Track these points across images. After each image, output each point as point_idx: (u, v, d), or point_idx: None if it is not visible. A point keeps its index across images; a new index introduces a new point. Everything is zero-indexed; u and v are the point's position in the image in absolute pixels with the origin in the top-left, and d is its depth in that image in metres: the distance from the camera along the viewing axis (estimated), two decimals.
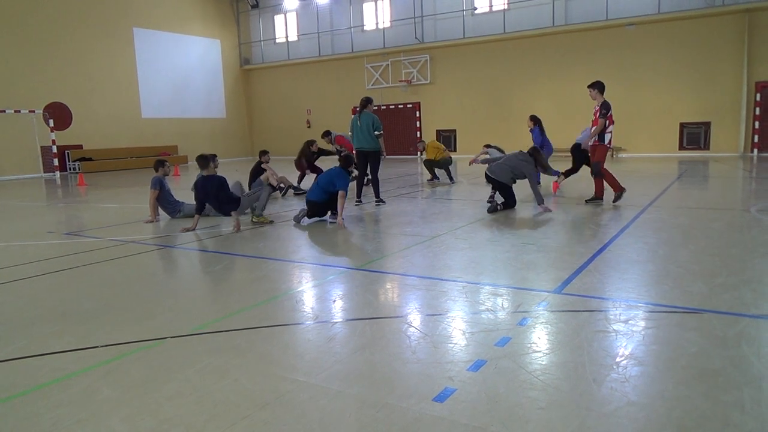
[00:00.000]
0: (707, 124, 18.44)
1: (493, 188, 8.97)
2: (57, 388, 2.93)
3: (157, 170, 8.60)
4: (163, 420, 2.56)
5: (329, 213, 7.95)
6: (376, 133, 9.28)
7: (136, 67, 23.49)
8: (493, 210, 8.21)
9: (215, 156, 8.04)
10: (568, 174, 9.89)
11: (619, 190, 8.46)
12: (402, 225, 7.64)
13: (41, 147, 19.22)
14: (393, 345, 3.37)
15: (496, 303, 4.10)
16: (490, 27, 21.60)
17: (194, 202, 7.90)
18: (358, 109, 9.46)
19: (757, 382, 2.73)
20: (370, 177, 9.83)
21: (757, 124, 17.87)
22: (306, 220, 7.92)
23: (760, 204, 8.30)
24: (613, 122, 8.42)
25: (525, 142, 21.25)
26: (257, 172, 10.20)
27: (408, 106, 24.06)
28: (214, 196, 7.68)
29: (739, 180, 12.12)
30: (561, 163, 12.43)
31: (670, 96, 18.96)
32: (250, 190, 8.88)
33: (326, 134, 12.35)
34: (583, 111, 20.10)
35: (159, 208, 8.63)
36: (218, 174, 7.84)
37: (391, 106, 23.98)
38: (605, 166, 8.56)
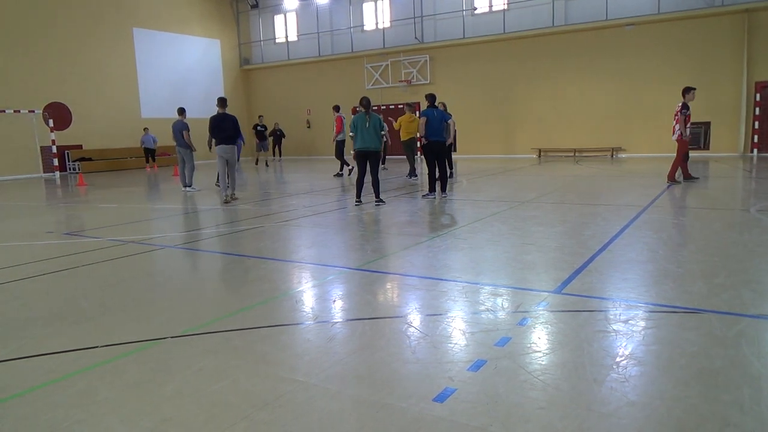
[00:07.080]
0: (707, 124, 18.42)
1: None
2: (55, 388, 2.92)
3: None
4: (161, 421, 2.56)
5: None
6: (382, 132, 9.41)
7: (135, 67, 23.47)
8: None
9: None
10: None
11: (672, 178, 11.07)
12: (402, 225, 7.63)
13: (41, 147, 19.22)
14: (393, 345, 3.37)
15: (496, 303, 4.09)
16: (490, 27, 21.59)
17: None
18: (359, 109, 9.44)
19: (757, 382, 2.72)
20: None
21: (756, 124, 17.85)
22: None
23: (760, 204, 8.30)
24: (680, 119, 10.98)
25: (524, 141, 21.45)
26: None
27: (408, 106, 23.96)
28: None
29: (739, 180, 12.11)
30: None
31: (669, 96, 18.86)
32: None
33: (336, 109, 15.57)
34: (582, 110, 20.23)
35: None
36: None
37: (391, 106, 23.96)
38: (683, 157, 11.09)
